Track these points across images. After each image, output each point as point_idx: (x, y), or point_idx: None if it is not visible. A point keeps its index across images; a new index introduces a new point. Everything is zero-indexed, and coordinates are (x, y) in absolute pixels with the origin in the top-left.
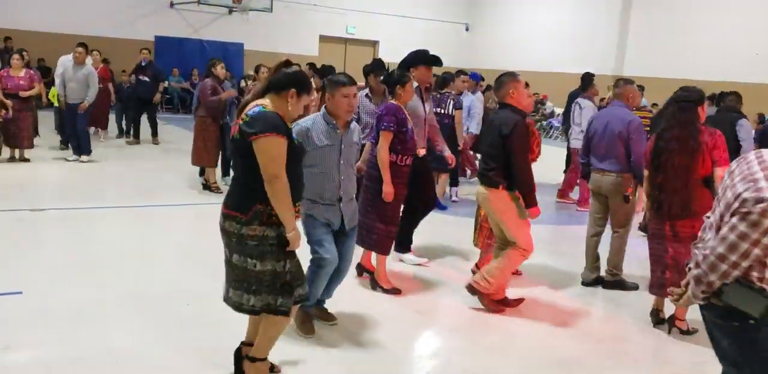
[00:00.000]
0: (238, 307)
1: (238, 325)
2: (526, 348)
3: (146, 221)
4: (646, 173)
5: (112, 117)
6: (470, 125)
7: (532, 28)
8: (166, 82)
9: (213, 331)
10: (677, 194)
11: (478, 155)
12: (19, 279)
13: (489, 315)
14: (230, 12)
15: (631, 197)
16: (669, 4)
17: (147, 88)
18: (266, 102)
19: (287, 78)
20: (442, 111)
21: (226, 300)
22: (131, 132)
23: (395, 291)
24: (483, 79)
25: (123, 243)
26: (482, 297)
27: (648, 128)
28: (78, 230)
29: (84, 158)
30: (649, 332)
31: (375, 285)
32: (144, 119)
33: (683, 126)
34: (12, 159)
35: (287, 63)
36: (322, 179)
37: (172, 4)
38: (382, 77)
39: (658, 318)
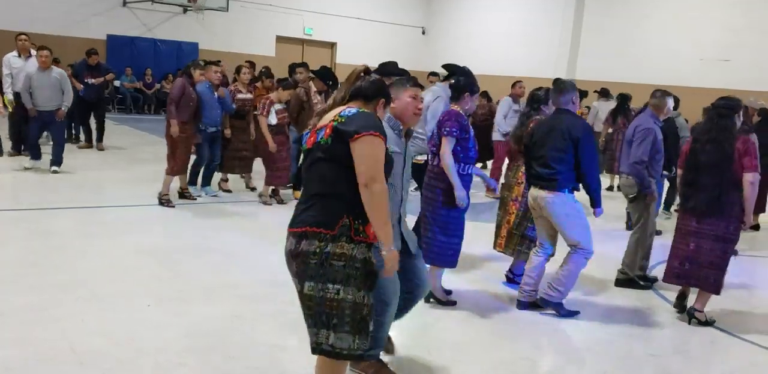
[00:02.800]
0: (316, 347)
1: (203, 325)
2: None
3: (102, 222)
4: (679, 171)
5: None
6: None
7: (487, 32)
8: (112, 79)
9: (177, 331)
10: (706, 193)
11: None
12: None
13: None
14: (185, 11)
15: (648, 199)
16: (620, 9)
17: (93, 90)
18: (357, 107)
19: (377, 87)
20: None
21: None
22: (81, 137)
23: (450, 303)
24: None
25: (80, 244)
26: (556, 306)
27: None
28: (33, 231)
29: (56, 168)
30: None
31: (429, 296)
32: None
33: (720, 131)
34: None
35: (366, 71)
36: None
37: (124, 3)
38: (453, 81)
39: (682, 307)
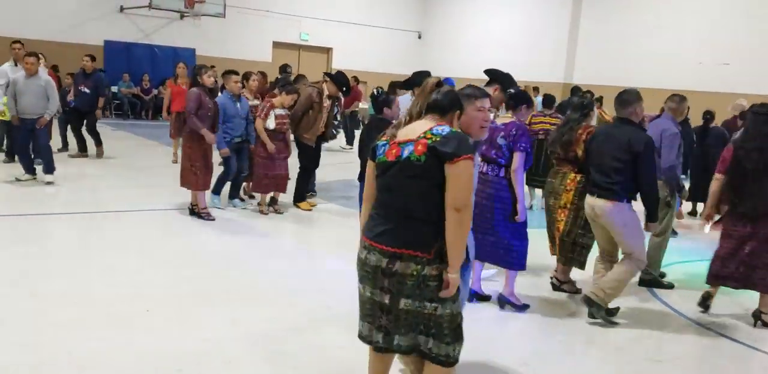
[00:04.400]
0: (414, 349)
1: (201, 330)
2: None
3: (99, 227)
4: (719, 176)
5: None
6: None
7: (482, 36)
8: (103, 99)
9: (175, 336)
10: (755, 197)
11: None
12: None
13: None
14: (182, 17)
15: (671, 202)
16: (617, 13)
17: (86, 99)
18: (440, 123)
19: (451, 99)
20: None
21: (388, 346)
22: (75, 145)
23: (525, 307)
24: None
25: (78, 250)
26: (599, 308)
27: (546, 135)
28: (31, 236)
29: (49, 177)
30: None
31: (504, 302)
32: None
33: (764, 138)
34: None
35: (440, 83)
36: None
37: (121, 9)
38: (509, 92)
39: (705, 304)
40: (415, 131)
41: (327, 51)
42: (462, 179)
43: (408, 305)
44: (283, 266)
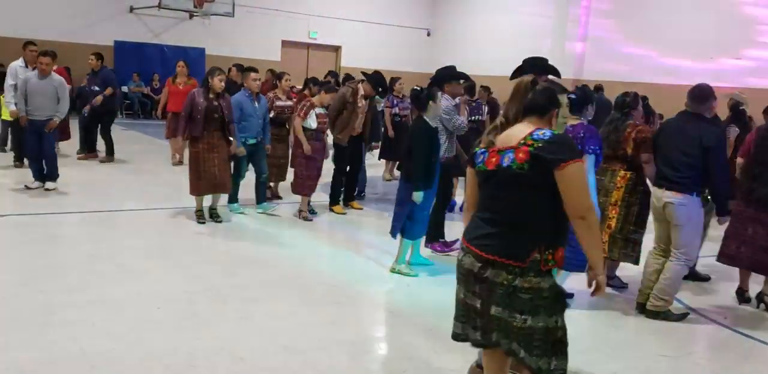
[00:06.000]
0: (507, 352)
1: (212, 327)
2: None
3: (110, 226)
4: (740, 160)
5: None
6: None
7: (492, 33)
8: (111, 89)
9: (186, 333)
10: None
11: None
12: None
13: None
14: (191, 17)
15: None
16: (627, 8)
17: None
18: (538, 126)
19: (549, 98)
20: (480, 118)
21: (487, 343)
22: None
23: (570, 296)
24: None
25: (89, 248)
26: (666, 316)
27: None
28: (42, 236)
29: (50, 184)
30: None
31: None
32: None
33: None
34: None
35: (534, 81)
36: None
37: (131, 9)
38: (570, 97)
39: (743, 297)
40: (514, 138)
41: (336, 49)
42: (575, 184)
43: (499, 312)
44: (294, 264)
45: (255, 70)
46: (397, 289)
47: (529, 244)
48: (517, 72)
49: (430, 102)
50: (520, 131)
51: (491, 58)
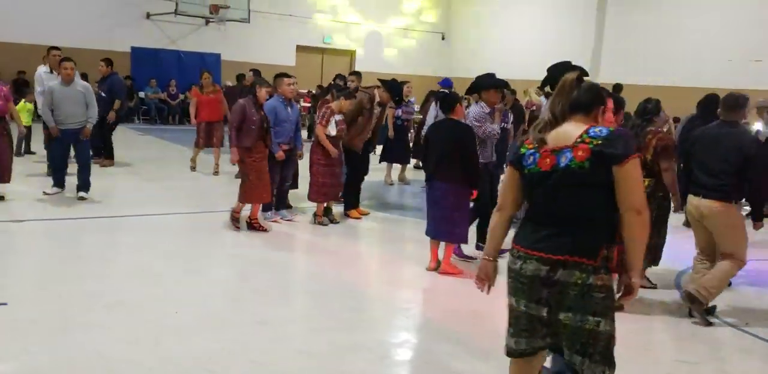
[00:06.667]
0: (572, 369)
1: (228, 331)
2: None
3: (127, 231)
4: None
5: None
6: None
7: (507, 36)
8: (119, 102)
9: (202, 337)
10: None
11: None
12: (4, 290)
13: None
14: (207, 23)
15: None
16: (643, 11)
17: (102, 104)
18: (585, 123)
19: (594, 96)
20: (506, 126)
21: (556, 343)
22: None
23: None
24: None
25: (106, 252)
26: (699, 305)
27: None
28: (60, 240)
29: (83, 193)
30: None
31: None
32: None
33: None
34: None
35: (580, 79)
36: None
37: (148, 15)
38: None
39: None
40: (569, 136)
41: (350, 54)
42: (634, 179)
43: (568, 319)
44: (309, 268)
45: (288, 76)
46: (414, 294)
47: (598, 240)
48: (547, 81)
49: (457, 105)
50: (573, 129)
51: (507, 61)
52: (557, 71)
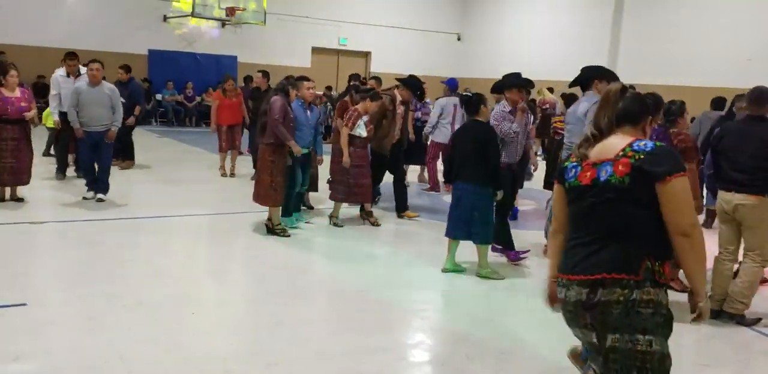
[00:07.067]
0: None
1: (245, 333)
2: None
3: (147, 232)
4: None
5: None
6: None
7: (523, 36)
8: (140, 107)
9: (221, 338)
10: None
11: None
12: (24, 291)
13: None
14: (223, 25)
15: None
16: (660, 10)
17: (123, 109)
18: (633, 135)
19: (642, 105)
20: (531, 125)
21: None
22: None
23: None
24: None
25: (126, 254)
26: (741, 319)
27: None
28: (80, 242)
29: (101, 196)
30: None
31: None
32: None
33: None
34: (1, 200)
35: (625, 89)
36: None
37: (165, 18)
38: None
39: None
40: (612, 149)
41: (365, 55)
42: (680, 199)
43: (616, 341)
44: (325, 270)
45: (308, 79)
46: (430, 296)
47: (638, 254)
48: (578, 82)
49: (482, 106)
50: (617, 142)
51: (523, 62)
52: (591, 72)
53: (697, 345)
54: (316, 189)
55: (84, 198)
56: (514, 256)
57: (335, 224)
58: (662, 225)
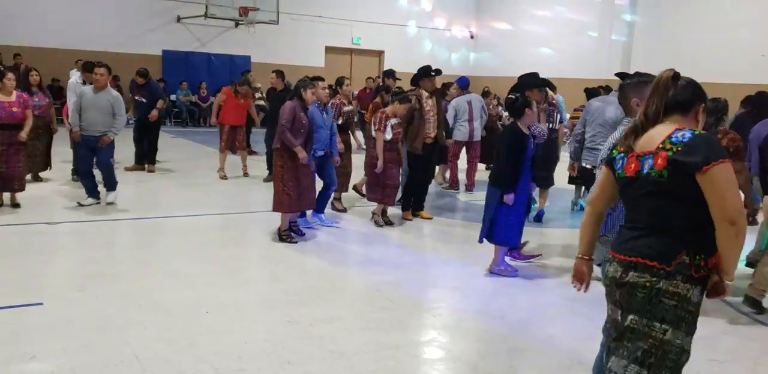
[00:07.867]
0: None
1: (259, 331)
2: None
3: (160, 232)
4: None
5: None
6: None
7: (537, 35)
8: (163, 101)
9: (234, 337)
10: None
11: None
12: (40, 291)
13: None
14: (237, 25)
15: None
16: (674, 6)
17: (144, 108)
18: (682, 125)
19: (693, 93)
20: (552, 125)
21: (606, 365)
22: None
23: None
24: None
25: (140, 254)
26: (758, 306)
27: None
28: (94, 242)
29: (111, 196)
30: None
31: None
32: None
33: None
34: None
35: (675, 77)
36: None
37: (178, 19)
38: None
39: None
40: (654, 141)
41: (379, 54)
42: (721, 187)
43: (635, 322)
44: (339, 269)
45: (322, 80)
46: (443, 293)
47: (675, 246)
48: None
49: (527, 109)
50: (661, 132)
51: (537, 60)
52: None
53: (709, 341)
54: (346, 190)
55: (79, 204)
56: (518, 256)
57: (376, 223)
58: (706, 219)
